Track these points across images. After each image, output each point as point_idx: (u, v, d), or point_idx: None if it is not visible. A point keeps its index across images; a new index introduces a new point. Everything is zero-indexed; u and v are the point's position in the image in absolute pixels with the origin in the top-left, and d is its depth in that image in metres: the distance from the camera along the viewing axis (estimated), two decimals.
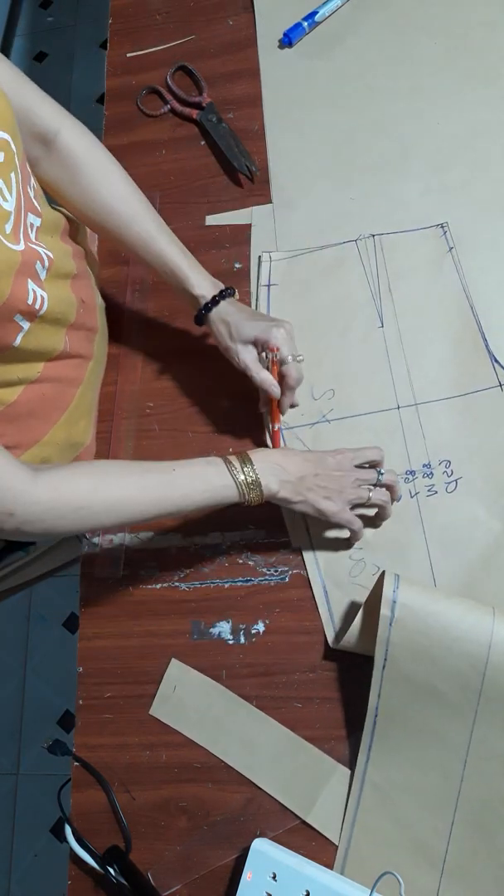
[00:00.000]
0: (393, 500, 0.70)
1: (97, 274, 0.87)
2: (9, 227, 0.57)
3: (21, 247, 0.59)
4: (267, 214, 0.86)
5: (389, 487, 0.69)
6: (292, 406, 0.77)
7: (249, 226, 0.87)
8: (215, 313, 0.73)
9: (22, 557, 0.83)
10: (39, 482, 0.56)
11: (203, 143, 0.93)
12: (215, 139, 0.91)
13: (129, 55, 1.00)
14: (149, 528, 0.77)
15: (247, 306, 0.76)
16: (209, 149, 0.92)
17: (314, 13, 0.93)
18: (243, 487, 0.63)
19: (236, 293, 0.75)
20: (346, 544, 0.71)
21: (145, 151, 0.94)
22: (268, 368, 0.72)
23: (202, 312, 0.73)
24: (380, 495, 0.68)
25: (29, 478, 0.56)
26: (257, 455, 0.65)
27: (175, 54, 0.98)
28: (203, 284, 0.73)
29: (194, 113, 0.93)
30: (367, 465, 0.69)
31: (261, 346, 0.72)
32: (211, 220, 0.88)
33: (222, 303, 0.73)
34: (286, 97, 0.92)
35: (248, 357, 0.72)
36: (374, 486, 0.68)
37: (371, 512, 0.71)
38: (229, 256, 0.86)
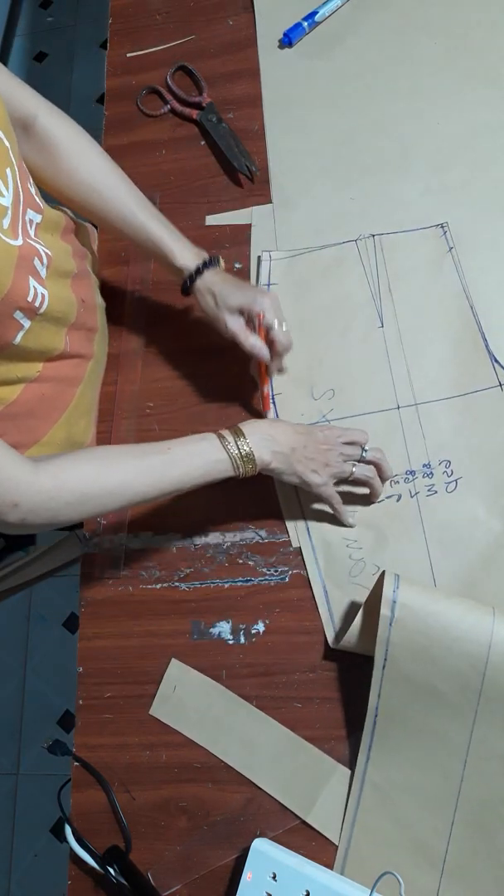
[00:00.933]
0: (383, 479, 0.71)
1: (97, 273, 0.87)
2: (6, 223, 0.57)
3: (19, 242, 0.59)
4: (267, 214, 0.86)
5: (377, 465, 0.70)
6: (279, 372, 0.78)
7: (249, 226, 0.87)
8: (200, 283, 0.73)
9: (22, 557, 0.83)
10: (41, 472, 0.57)
11: (203, 143, 0.93)
12: (215, 139, 0.91)
13: (129, 55, 1.00)
14: (149, 528, 0.77)
15: (232, 276, 0.76)
16: (209, 149, 0.92)
17: (314, 13, 0.93)
18: (238, 461, 0.65)
19: (221, 262, 0.76)
20: (343, 541, 0.71)
21: (145, 151, 0.94)
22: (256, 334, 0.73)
23: (187, 284, 0.74)
24: (363, 471, 0.70)
25: (31, 468, 0.56)
26: (249, 427, 0.66)
27: (175, 54, 0.98)
28: (186, 255, 0.74)
29: (194, 113, 0.93)
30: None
31: (247, 313, 0.72)
32: (211, 220, 0.88)
33: (207, 273, 0.73)
34: (286, 97, 0.92)
35: (235, 325, 0.73)
36: (359, 461, 0.70)
37: (362, 490, 0.72)
38: (229, 256, 0.86)
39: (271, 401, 0.77)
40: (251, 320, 0.72)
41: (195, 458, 0.64)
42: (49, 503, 0.57)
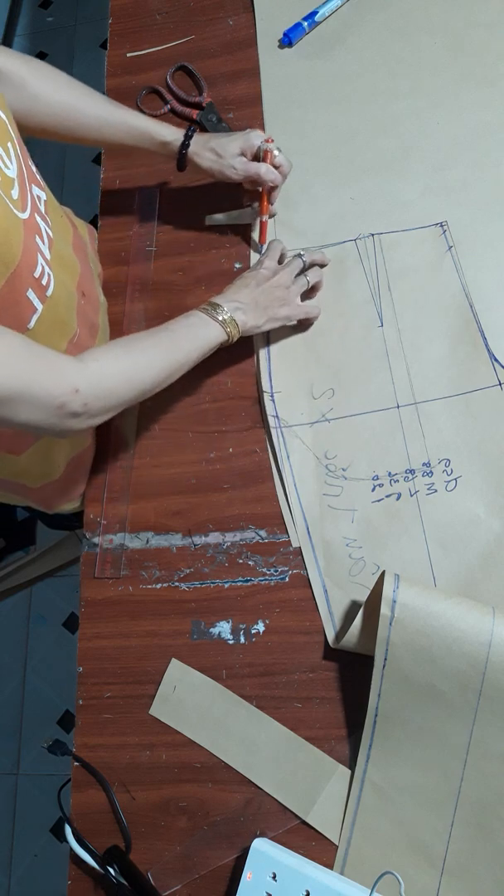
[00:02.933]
0: (322, 265, 0.81)
1: (99, 274, 0.87)
2: (15, 193, 0.58)
3: (26, 215, 0.60)
4: None
5: (318, 263, 0.80)
6: (271, 216, 0.84)
7: (249, 226, 0.87)
8: (195, 146, 0.79)
9: (22, 557, 0.83)
10: (84, 358, 0.60)
11: None
12: None
13: (129, 55, 1.00)
14: (149, 528, 0.77)
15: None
16: None
17: (314, 13, 0.93)
18: (226, 326, 0.71)
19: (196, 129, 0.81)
20: (342, 540, 0.71)
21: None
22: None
23: (183, 153, 0.79)
24: (315, 275, 0.79)
25: (75, 358, 0.60)
26: (218, 299, 0.73)
27: (175, 54, 0.98)
28: (171, 131, 0.79)
29: (194, 113, 0.93)
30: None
31: (248, 152, 0.79)
32: (211, 220, 0.88)
33: (195, 136, 0.79)
34: (286, 97, 0.92)
35: (242, 164, 0.78)
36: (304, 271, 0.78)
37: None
38: (229, 256, 0.86)
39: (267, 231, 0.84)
40: (255, 157, 0.79)
41: (193, 330, 0.70)
42: (100, 383, 0.60)
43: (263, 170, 0.78)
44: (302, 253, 0.78)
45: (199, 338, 0.70)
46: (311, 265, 0.79)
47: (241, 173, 0.79)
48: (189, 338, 0.69)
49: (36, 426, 0.57)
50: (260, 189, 0.82)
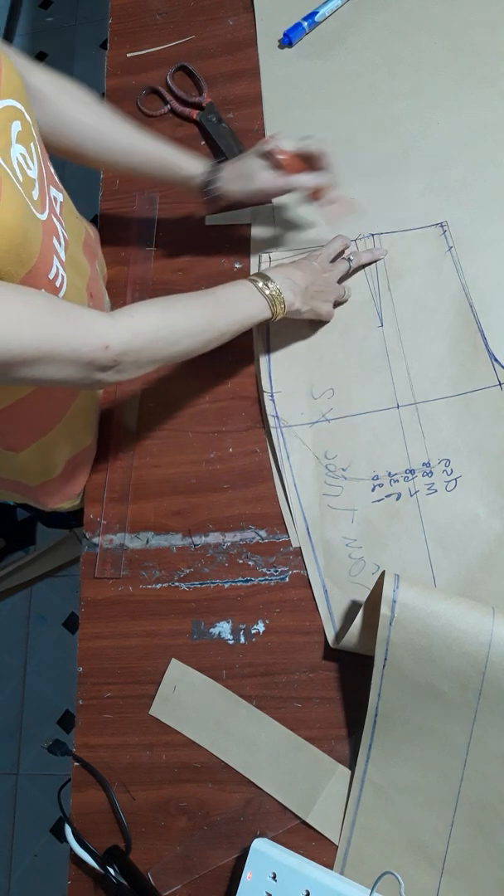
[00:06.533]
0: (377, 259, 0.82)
1: (104, 275, 0.87)
2: (35, 194, 0.58)
3: (44, 216, 0.60)
4: (267, 214, 0.86)
5: (364, 265, 0.81)
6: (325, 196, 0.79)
7: (249, 226, 0.87)
8: (223, 181, 0.76)
9: (22, 557, 0.83)
10: (116, 315, 0.60)
11: (203, 143, 0.93)
12: (215, 139, 0.91)
13: (129, 55, 1.00)
14: (149, 527, 0.77)
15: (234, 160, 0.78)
16: (209, 149, 0.92)
17: (314, 13, 0.93)
18: (271, 301, 0.69)
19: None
20: (342, 540, 0.71)
21: None
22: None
23: (214, 182, 0.76)
24: (349, 293, 0.80)
25: (108, 315, 0.59)
26: (271, 273, 0.71)
27: (175, 54, 0.98)
28: (196, 164, 0.77)
29: (194, 113, 0.93)
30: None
31: (271, 163, 0.74)
32: (211, 220, 0.88)
33: (223, 168, 0.76)
34: (286, 97, 0.92)
35: (273, 182, 0.75)
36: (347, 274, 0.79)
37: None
38: (229, 256, 0.86)
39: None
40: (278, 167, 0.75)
41: (240, 299, 0.68)
42: (133, 341, 0.59)
43: (302, 181, 0.74)
44: (350, 258, 0.78)
45: (243, 309, 0.68)
46: (356, 270, 0.80)
47: (278, 192, 0.75)
48: (233, 308, 0.68)
49: (66, 382, 0.56)
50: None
